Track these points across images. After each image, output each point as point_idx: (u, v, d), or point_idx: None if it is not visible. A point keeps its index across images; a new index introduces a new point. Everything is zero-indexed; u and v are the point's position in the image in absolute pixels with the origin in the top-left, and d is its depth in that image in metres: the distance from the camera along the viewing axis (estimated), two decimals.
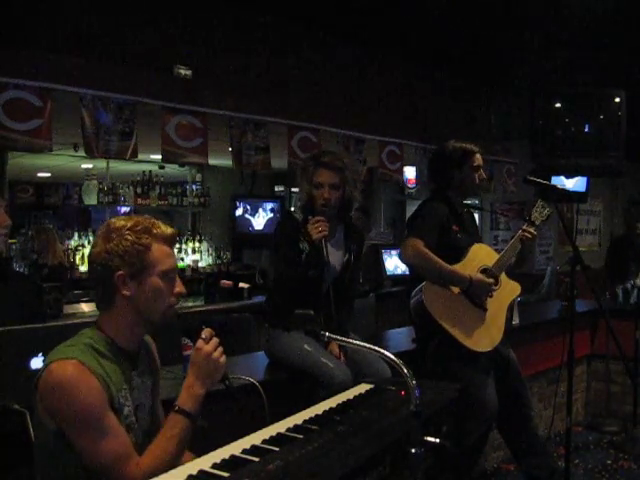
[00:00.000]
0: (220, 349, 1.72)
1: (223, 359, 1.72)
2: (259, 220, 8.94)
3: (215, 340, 1.72)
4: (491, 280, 2.98)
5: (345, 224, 2.95)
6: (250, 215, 8.92)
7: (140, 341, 1.77)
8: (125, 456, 1.55)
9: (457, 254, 2.99)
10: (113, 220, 1.71)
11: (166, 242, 1.71)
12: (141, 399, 1.74)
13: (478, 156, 3.19)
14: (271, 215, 8.91)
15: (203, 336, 1.71)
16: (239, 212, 8.85)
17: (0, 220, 2.63)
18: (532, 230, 3.15)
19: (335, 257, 2.82)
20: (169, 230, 1.73)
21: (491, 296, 3.01)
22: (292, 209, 2.94)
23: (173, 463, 1.54)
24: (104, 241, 1.66)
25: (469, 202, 3.44)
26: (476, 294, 2.96)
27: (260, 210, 8.98)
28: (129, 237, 1.64)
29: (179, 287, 1.73)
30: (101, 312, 1.72)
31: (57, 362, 1.55)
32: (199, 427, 1.68)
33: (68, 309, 4.92)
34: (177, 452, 1.60)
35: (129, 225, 1.67)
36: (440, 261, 2.87)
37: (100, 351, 1.63)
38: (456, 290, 2.95)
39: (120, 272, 1.64)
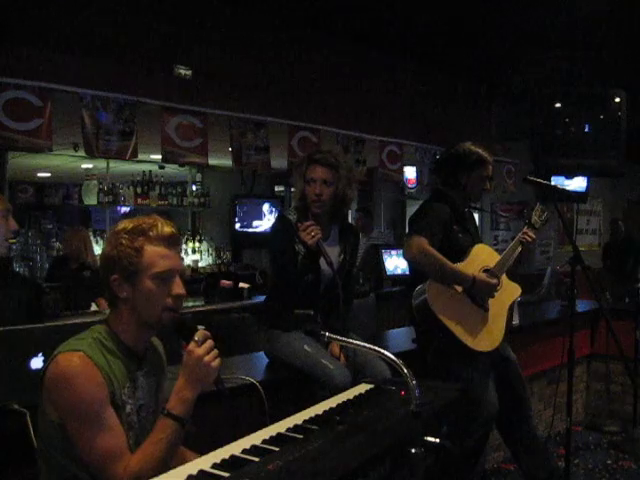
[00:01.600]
0: (214, 352, 1.66)
1: (216, 363, 1.65)
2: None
3: (209, 343, 1.66)
4: (495, 281, 2.98)
5: (340, 223, 2.93)
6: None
7: (147, 342, 1.78)
8: (116, 455, 1.56)
9: (459, 254, 2.98)
10: (119, 222, 1.74)
11: (163, 243, 1.68)
12: (145, 399, 1.74)
13: (490, 167, 3.13)
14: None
15: (196, 338, 1.65)
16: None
17: (10, 226, 2.63)
18: (532, 234, 3.15)
19: (331, 256, 2.80)
20: (167, 230, 1.70)
21: (493, 297, 3.01)
22: (286, 210, 2.87)
23: (161, 467, 1.53)
24: (106, 245, 1.72)
25: None
26: (479, 294, 2.96)
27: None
28: (123, 241, 1.66)
29: (177, 288, 1.69)
30: (110, 311, 1.75)
31: (64, 354, 1.59)
32: (188, 432, 1.64)
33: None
34: (165, 456, 1.59)
35: (128, 228, 1.68)
36: (444, 259, 2.86)
37: (107, 347, 1.66)
38: (459, 289, 2.95)
39: (115, 276, 1.67)
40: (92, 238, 7.37)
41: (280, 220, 2.88)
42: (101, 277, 1.71)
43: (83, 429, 1.54)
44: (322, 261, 2.70)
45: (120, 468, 1.55)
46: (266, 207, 9.10)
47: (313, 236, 2.62)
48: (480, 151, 3.10)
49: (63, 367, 1.56)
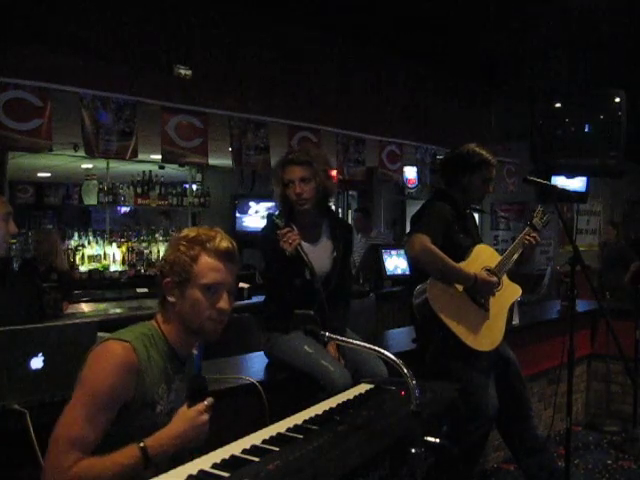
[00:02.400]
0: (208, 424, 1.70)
1: (207, 435, 1.69)
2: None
3: (211, 413, 1.68)
4: (494, 278, 2.98)
5: (329, 218, 2.91)
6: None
7: (191, 348, 1.83)
8: (76, 446, 1.53)
9: (459, 254, 2.98)
10: (184, 229, 1.82)
11: (218, 256, 1.72)
12: (177, 404, 1.74)
13: (493, 170, 3.13)
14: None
15: (206, 403, 1.67)
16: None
17: (10, 229, 2.64)
18: (535, 235, 3.15)
19: (323, 255, 2.80)
20: (224, 245, 1.74)
21: (493, 295, 3.01)
22: (275, 214, 2.85)
23: None
24: (167, 248, 1.80)
25: None
26: (480, 293, 2.96)
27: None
28: (181, 247, 1.73)
29: (223, 303, 1.73)
30: (159, 311, 1.79)
31: (114, 340, 1.63)
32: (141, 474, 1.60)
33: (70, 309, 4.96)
34: (112, 479, 1.56)
35: (189, 236, 1.75)
36: (447, 258, 2.86)
37: (154, 345, 1.70)
38: (460, 288, 2.95)
39: (167, 279, 1.72)
40: (92, 238, 7.40)
41: (268, 224, 2.83)
42: (157, 277, 1.78)
43: (77, 406, 1.56)
44: (313, 264, 2.67)
45: (69, 458, 1.52)
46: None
47: (291, 243, 2.60)
48: (484, 153, 3.09)
49: (106, 351, 1.61)
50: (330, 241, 2.86)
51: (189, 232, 1.77)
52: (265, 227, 2.86)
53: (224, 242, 1.75)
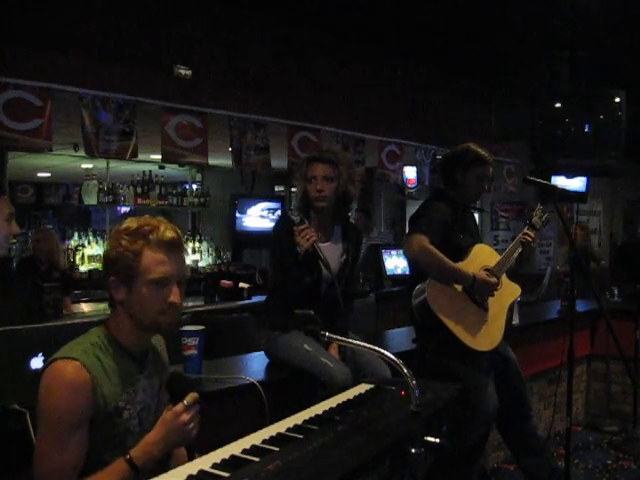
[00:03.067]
0: (196, 420, 1.62)
1: (196, 431, 1.62)
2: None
3: (195, 409, 1.62)
4: (494, 279, 2.98)
5: (342, 223, 2.93)
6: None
7: (146, 344, 1.76)
8: (60, 476, 1.51)
9: (458, 253, 2.98)
10: (125, 221, 1.70)
11: (162, 248, 1.64)
12: (147, 401, 1.72)
13: (489, 168, 3.13)
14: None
15: (185, 402, 1.59)
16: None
17: (13, 230, 2.63)
18: (532, 234, 3.16)
19: (332, 257, 2.80)
20: (168, 235, 1.65)
21: (492, 295, 3.01)
22: (291, 208, 2.87)
23: None
24: (107, 244, 1.70)
25: None
26: (479, 293, 2.96)
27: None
28: (123, 242, 1.63)
29: (173, 296, 1.65)
30: (110, 312, 1.73)
31: (61, 361, 1.56)
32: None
33: (74, 309, 4.98)
34: None
35: (131, 229, 1.66)
36: (445, 258, 2.86)
37: (106, 352, 1.63)
38: (459, 288, 2.95)
39: (112, 277, 1.65)
40: (92, 238, 7.40)
41: (282, 220, 2.88)
42: (102, 276, 1.71)
43: (45, 437, 1.53)
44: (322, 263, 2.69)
45: None
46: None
47: (308, 239, 2.62)
48: (479, 151, 3.10)
49: (55, 375, 1.54)
50: (341, 244, 2.88)
51: (130, 224, 1.67)
52: (278, 223, 2.90)
53: (168, 232, 1.66)
